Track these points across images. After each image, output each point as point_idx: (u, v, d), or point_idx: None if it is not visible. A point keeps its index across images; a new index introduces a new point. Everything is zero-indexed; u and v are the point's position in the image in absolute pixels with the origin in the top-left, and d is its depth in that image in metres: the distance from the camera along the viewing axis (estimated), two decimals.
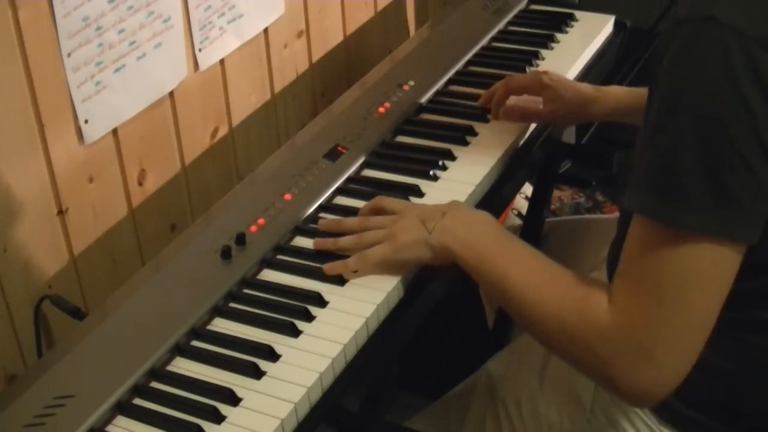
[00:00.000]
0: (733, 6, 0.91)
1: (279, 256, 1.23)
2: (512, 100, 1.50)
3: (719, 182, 0.92)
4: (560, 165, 1.77)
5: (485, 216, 1.19)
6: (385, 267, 1.16)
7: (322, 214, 1.30)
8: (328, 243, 1.21)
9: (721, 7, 0.91)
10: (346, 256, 1.18)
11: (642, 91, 1.40)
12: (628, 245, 1.00)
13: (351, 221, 1.23)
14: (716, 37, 0.91)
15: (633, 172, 0.99)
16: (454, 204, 1.20)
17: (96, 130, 1.41)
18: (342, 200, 1.34)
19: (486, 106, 1.51)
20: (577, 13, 1.81)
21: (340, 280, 1.17)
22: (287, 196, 1.31)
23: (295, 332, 1.10)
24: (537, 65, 1.65)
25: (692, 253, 0.94)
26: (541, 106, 1.47)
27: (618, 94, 1.46)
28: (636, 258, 0.98)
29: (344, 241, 1.20)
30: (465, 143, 1.44)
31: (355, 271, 1.17)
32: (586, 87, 1.48)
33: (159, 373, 1.07)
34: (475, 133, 1.46)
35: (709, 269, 0.95)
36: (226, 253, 1.20)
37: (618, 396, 1.06)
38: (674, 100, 0.94)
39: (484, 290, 1.60)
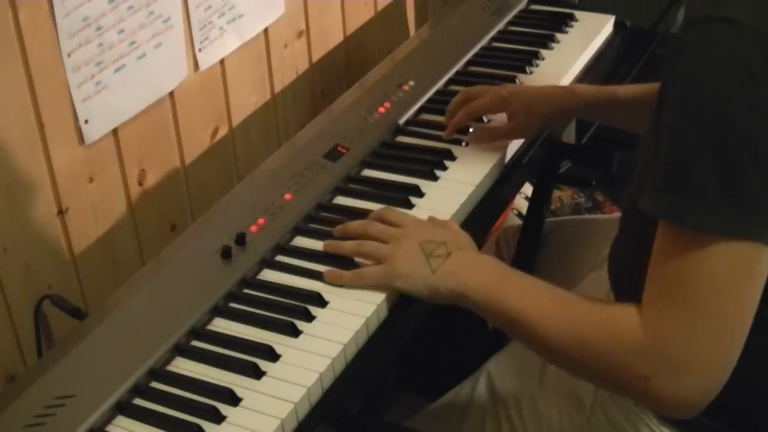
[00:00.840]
0: (749, 6, 0.91)
1: (279, 256, 1.23)
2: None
3: (736, 182, 0.91)
4: (560, 165, 1.77)
5: (488, 257, 1.19)
6: (378, 288, 1.16)
7: (322, 214, 1.30)
8: (332, 245, 1.21)
9: (737, 7, 0.91)
10: (349, 259, 1.19)
11: (612, 89, 1.41)
12: (655, 256, 0.99)
13: (353, 225, 1.23)
14: (733, 37, 0.91)
15: (651, 175, 0.98)
16: (457, 241, 1.18)
17: (96, 130, 1.41)
18: (342, 200, 1.34)
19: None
20: (577, 13, 1.81)
21: None
22: (287, 196, 1.31)
23: (295, 332, 1.10)
24: (537, 65, 1.65)
25: (713, 255, 0.93)
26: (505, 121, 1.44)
27: (588, 91, 1.44)
28: (662, 266, 0.97)
29: (345, 246, 1.20)
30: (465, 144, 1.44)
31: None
32: (552, 88, 1.46)
33: (159, 373, 1.07)
34: None
35: (736, 271, 0.94)
36: (226, 253, 1.20)
37: (659, 408, 1.06)
38: (691, 101, 0.93)
39: None
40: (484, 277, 1.12)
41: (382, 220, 1.23)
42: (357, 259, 1.19)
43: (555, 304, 1.07)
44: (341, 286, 1.16)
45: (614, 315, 1.01)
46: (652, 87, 1.22)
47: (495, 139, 1.42)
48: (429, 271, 1.13)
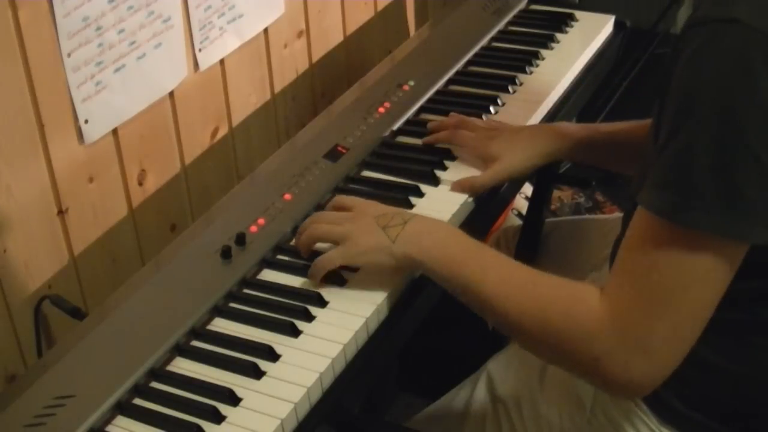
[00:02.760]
0: (754, 7, 0.91)
1: (279, 256, 1.23)
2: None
3: (731, 182, 0.92)
4: (560, 165, 1.77)
5: (448, 225, 1.19)
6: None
7: None
8: (299, 245, 1.21)
9: (742, 8, 0.91)
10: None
11: (608, 128, 1.36)
12: (630, 242, 1.00)
13: (305, 223, 1.22)
14: (738, 38, 0.91)
15: (650, 170, 0.98)
16: (414, 214, 1.18)
17: (96, 130, 1.41)
18: None
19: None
20: (577, 13, 1.81)
21: (339, 280, 1.17)
22: (287, 196, 1.31)
23: (295, 332, 1.10)
24: (537, 65, 1.65)
25: (698, 252, 0.95)
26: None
27: (578, 131, 1.36)
28: (638, 255, 0.98)
29: (302, 238, 1.19)
30: None
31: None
32: (537, 127, 1.41)
33: (159, 373, 1.07)
34: None
35: (712, 267, 0.95)
36: (226, 253, 1.20)
37: (608, 389, 1.07)
38: (692, 100, 0.93)
39: None
40: (445, 246, 1.12)
41: (334, 208, 1.23)
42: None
43: (516, 279, 1.07)
44: (324, 283, 1.16)
45: (575, 295, 1.03)
46: (646, 123, 1.16)
47: (476, 190, 1.32)
48: (389, 241, 1.13)
